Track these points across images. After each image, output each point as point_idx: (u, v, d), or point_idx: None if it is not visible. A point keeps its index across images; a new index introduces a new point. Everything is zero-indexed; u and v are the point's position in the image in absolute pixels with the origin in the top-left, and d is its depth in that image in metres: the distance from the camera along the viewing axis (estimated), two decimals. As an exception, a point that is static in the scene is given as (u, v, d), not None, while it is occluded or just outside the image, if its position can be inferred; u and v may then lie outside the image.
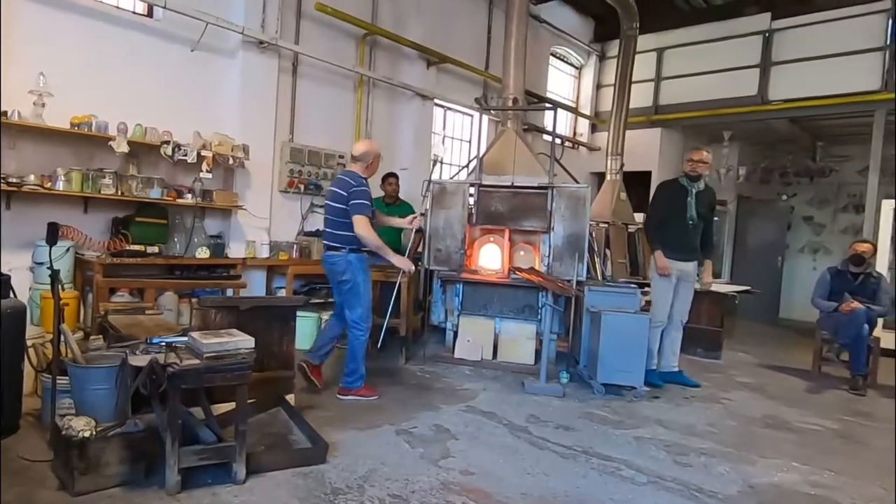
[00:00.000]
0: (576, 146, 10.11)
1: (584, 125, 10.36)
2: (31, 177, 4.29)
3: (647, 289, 5.27)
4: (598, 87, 10.37)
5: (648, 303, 5.13)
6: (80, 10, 4.69)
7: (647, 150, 9.36)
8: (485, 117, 7.88)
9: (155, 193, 4.85)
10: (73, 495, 2.43)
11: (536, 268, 5.34)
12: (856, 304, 5.39)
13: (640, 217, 7.81)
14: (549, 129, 6.25)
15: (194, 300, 4.26)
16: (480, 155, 5.80)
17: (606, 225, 7.38)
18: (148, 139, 4.87)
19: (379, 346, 4.55)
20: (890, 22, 7.53)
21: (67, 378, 2.76)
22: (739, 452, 3.53)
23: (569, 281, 5.06)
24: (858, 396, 5.16)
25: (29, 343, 3.24)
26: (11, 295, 3.11)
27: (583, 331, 4.98)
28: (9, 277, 3.06)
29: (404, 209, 5.86)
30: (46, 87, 4.28)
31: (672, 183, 5.19)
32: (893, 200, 7.59)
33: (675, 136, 9.69)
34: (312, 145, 6.30)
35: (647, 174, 9.21)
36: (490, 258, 5.59)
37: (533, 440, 3.51)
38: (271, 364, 3.51)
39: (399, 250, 5.50)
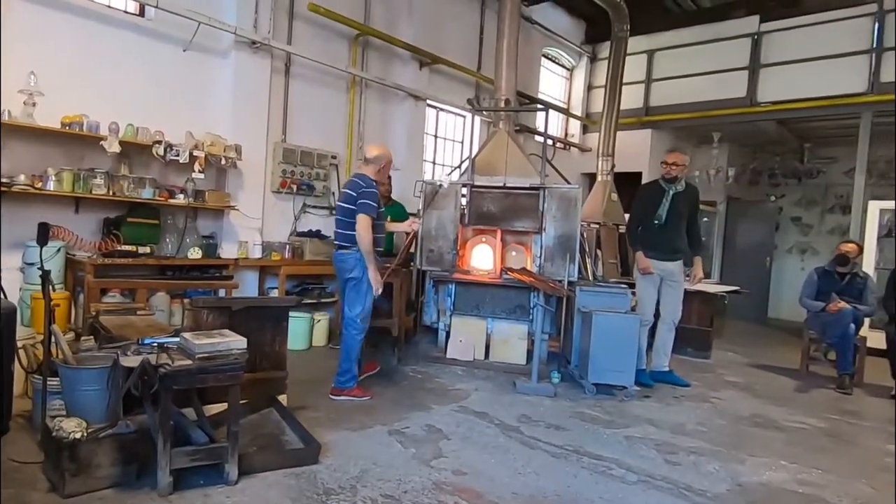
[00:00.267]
0: (567, 147, 10.15)
1: (575, 126, 10.40)
2: (22, 177, 4.26)
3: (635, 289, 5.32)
4: (590, 88, 10.42)
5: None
6: (72, 9, 4.66)
7: (637, 151, 9.41)
8: (477, 118, 7.93)
9: (147, 194, 4.83)
10: (64, 497, 2.42)
11: (528, 268, 5.37)
12: (842, 304, 5.46)
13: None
14: (541, 129, 6.26)
15: (186, 301, 4.25)
16: (473, 156, 5.82)
17: (597, 225, 7.42)
18: (140, 139, 4.84)
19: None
20: (876, 24, 7.61)
21: (58, 379, 2.75)
22: (728, 451, 3.57)
23: (560, 281, 5.10)
24: (845, 395, 5.22)
25: (19, 344, 3.24)
26: (2, 296, 3.10)
27: (574, 331, 5.01)
28: (-1, 278, 3.05)
29: (396, 209, 5.87)
30: (37, 87, 4.25)
31: (652, 185, 5.28)
32: (880, 201, 7.71)
33: (665, 137, 9.74)
34: (305, 146, 6.28)
35: (638, 175, 9.25)
36: (482, 259, 5.61)
37: (524, 440, 3.54)
38: (263, 364, 3.53)
39: (391, 251, 5.55)
